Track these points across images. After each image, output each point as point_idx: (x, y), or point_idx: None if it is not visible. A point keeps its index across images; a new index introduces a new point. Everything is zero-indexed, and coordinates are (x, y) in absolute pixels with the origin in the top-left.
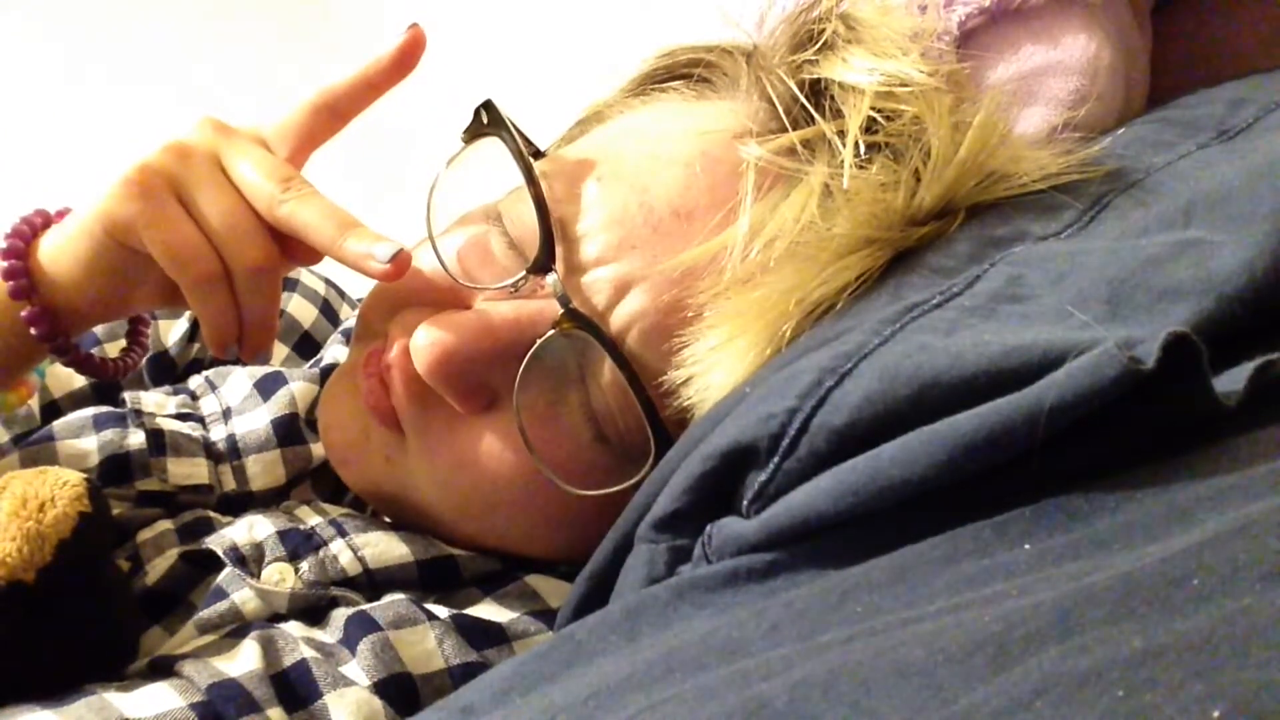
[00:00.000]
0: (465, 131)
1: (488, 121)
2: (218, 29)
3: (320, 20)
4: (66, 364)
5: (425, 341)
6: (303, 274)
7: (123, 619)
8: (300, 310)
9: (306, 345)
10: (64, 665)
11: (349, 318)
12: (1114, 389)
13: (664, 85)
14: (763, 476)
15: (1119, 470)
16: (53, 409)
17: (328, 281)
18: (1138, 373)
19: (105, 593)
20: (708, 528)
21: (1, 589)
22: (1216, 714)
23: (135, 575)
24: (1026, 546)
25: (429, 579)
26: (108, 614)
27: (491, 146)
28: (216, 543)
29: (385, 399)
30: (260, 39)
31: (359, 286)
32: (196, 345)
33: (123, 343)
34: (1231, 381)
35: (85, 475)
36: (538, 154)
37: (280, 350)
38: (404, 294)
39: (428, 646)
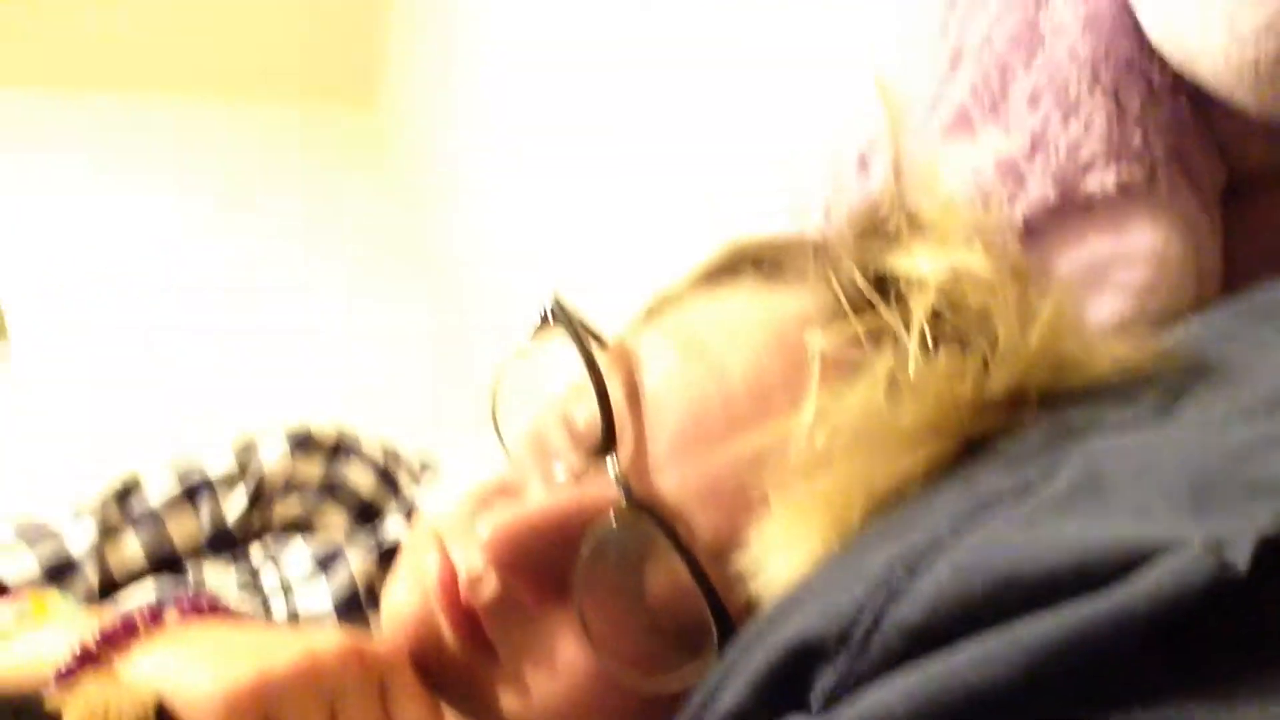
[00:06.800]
0: (533, 330)
1: (554, 318)
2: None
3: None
4: None
5: (492, 531)
6: (361, 439)
7: None
8: (359, 477)
9: (366, 513)
10: None
11: (408, 485)
12: (1203, 596)
13: (734, 274)
14: (831, 673)
15: (1212, 678)
16: (112, 586)
17: (384, 448)
18: (1228, 579)
19: None
20: None
21: None
22: None
23: None
24: None
25: None
26: None
27: (557, 339)
28: None
29: (476, 627)
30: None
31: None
32: (256, 514)
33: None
34: None
35: (159, 691)
36: (601, 342)
37: (339, 519)
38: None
39: None
